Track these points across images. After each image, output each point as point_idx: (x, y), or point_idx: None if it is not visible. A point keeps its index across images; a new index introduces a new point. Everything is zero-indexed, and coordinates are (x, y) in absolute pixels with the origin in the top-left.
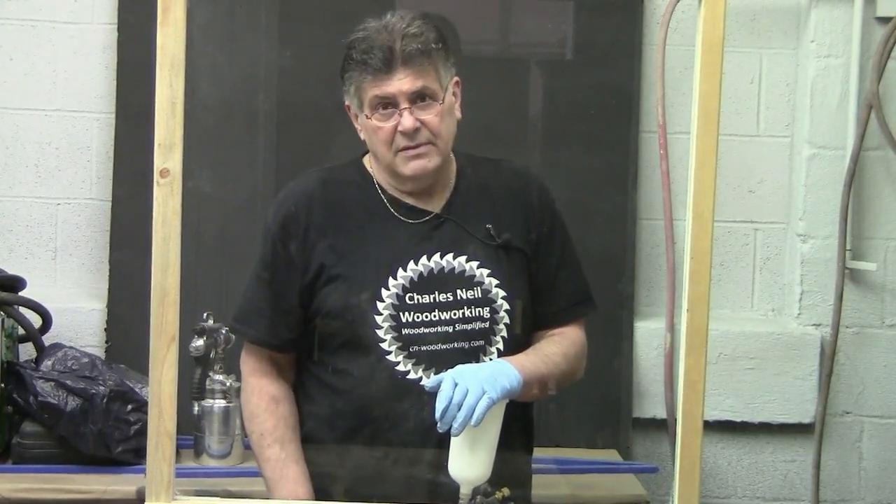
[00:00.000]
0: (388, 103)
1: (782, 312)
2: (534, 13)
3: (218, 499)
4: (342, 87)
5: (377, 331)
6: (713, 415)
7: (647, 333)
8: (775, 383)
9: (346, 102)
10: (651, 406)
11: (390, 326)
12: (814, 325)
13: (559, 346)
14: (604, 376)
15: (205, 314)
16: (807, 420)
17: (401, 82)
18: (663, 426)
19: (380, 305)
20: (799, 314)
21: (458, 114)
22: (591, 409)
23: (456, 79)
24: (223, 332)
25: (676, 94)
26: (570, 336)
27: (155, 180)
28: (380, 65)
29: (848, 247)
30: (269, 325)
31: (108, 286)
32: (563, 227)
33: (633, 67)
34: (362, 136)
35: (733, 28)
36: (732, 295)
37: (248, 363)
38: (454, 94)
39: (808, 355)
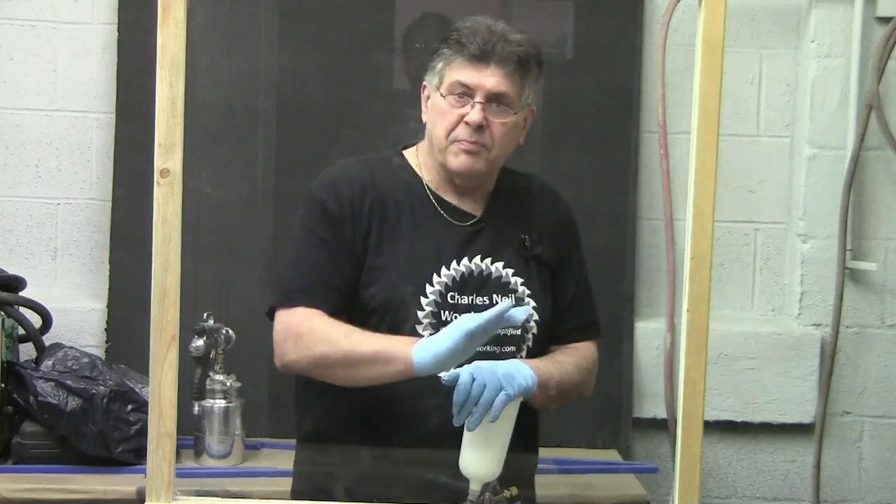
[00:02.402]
0: (465, 93)
1: (782, 312)
2: (534, 13)
3: (218, 499)
4: (429, 63)
5: (417, 326)
6: (713, 415)
7: (647, 333)
8: (775, 383)
9: (424, 81)
10: (651, 406)
11: (430, 323)
12: (814, 325)
13: (572, 356)
14: (604, 376)
15: (205, 314)
16: (807, 420)
17: (487, 78)
18: (663, 426)
19: (423, 301)
20: (799, 314)
21: (521, 140)
22: (592, 409)
23: (533, 108)
24: (223, 332)
25: (676, 94)
26: (583, 350)
27: (155, 180)
28: (477, 52)
29: (848, 247)
30: (339, 299)
31: (108, 286)
32: (581, 250)
33: (633, 67)
34: (424, 118)
35: (733, 28)
36: (732, 295)
37: (304, 314)
38: (525, 118)
39: (808, 355)
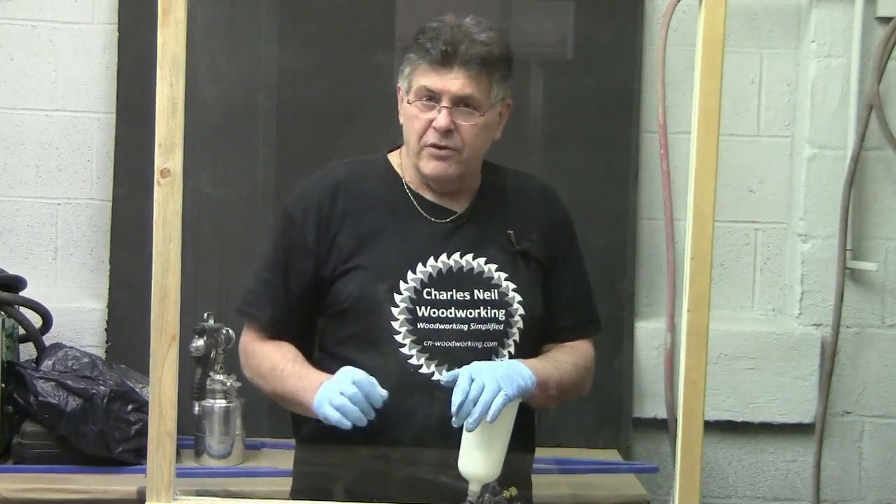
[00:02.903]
0: (431, 97)
1: (783, 312)
2: (534, 13)
3: (218, 499)
4: (400, 66)
5: (392, 323)
6: (713, 415)
7: (647, 333)
8: (775, 383)
9: (399, 84)
10: (651, 406)
11: (406, 319)
12: (814, 325)
13: (570, 356)
14: (604, 376)
15: (205, 314)
16: (807, 420)
17: (451, 82)
18: (663, 426)
19: (397, 298)
20: (799, 314)
21: (498, 135)
22: (592, 409)
23: (509, 102)
24: (223, 332)
25: (676, 94)
26: (580, 349)
27: (155, 180)
28: (439, 57)
29: (848, 247)
30: (281, 313)
31: (108, 286)
32: (578, 247)
33: (633, 67)
34: (401, 119)
35: (733, 28)
36: (733, 295)
37: (251, 336)
38: (500, 113)
39: (808, 355)
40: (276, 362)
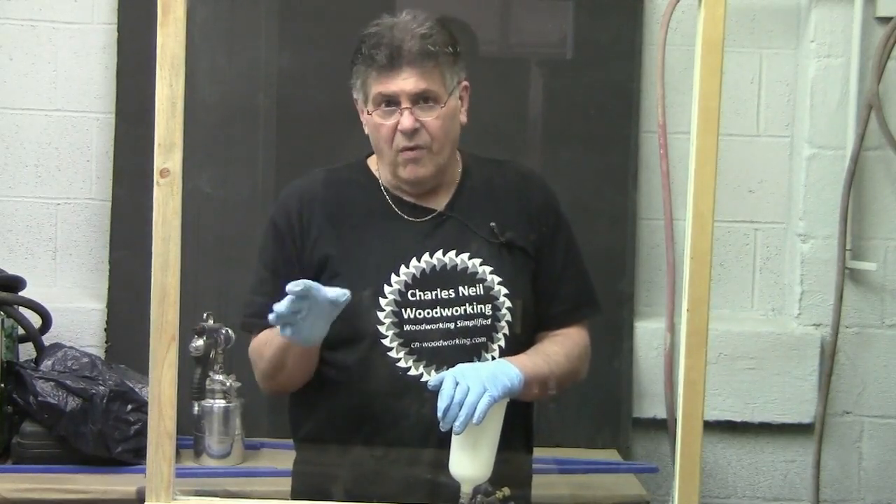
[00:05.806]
0: (390, 101)
1: (782, 312)
2: (534, 13)
3: (218, 499)
4: (350, 80)
5: (379, 327)
6: (713, 415)
7: (647, 333)
8: (775, 383)
9: (354, 96)
10: (651, 406)
11: (392, 323)
12: (814, 325)
13: (562, 346)
14: (604, 376)
15: (205, 314)
16: (807, 420)
17: (404, 82)
18: (663, 426)
19: (382, 302)
20: (799, 314)
21: (464, 118)
22: (591, 409)
23: (465, 83)
24: (223, 332)
25: (676, 94)
26: (573, 337)
27: (155, 180)
28: (385, 62)
29: (848, 247)
30: None
31: (108, 286)
32: (567, 229)
33: (633, 67)
34: (367, 130)
35: (733, 28)
36: (732, 295)
37: (250, 348)
38: (461, 97)
39: (808, 355)
40: (270, 338)
